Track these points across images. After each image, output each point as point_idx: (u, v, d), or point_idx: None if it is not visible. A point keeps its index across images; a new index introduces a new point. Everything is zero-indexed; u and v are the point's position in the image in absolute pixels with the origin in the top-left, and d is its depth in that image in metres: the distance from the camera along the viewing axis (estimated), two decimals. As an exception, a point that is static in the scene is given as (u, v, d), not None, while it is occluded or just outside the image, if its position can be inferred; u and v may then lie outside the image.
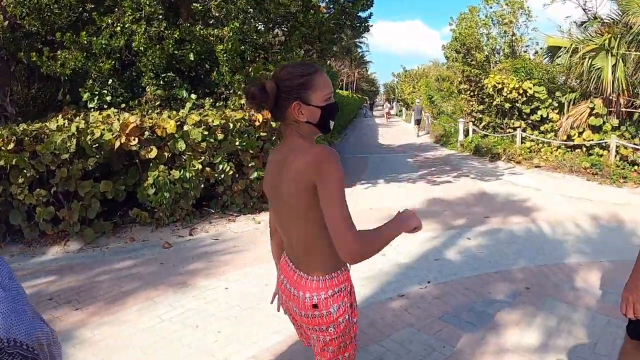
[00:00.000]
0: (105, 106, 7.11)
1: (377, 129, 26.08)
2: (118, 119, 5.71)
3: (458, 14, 14.71)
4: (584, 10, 11.68)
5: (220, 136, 5.80)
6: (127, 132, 5.52)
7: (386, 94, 68.83)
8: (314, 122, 1.37)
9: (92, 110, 6.98)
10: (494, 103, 12.44)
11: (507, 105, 11.92)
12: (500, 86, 11.89)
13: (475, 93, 14.09)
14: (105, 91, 7.26)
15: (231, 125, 5.85)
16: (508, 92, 11.36)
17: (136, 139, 5.52)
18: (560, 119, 10.83)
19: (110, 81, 7.24)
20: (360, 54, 50.13)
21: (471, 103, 14.24)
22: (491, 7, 13.79)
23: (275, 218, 1.49)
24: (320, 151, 1.29)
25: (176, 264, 4.47)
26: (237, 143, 5.90)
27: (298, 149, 1.34)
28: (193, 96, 6.94)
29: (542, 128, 11.30)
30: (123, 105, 7.12)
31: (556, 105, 11.27)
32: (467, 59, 14.01)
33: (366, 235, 1.24)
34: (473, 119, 14.09)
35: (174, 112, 6.19)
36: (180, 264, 4.46)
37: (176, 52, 6.75)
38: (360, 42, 50.65)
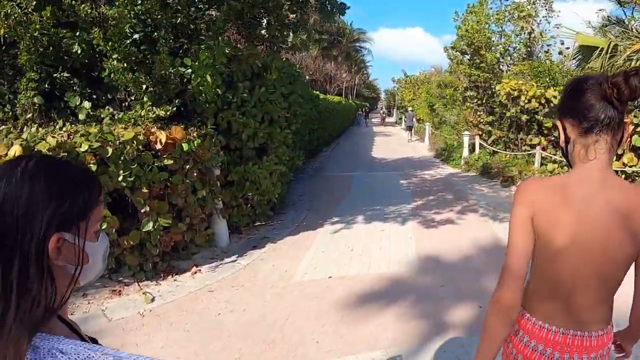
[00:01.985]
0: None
1: (374, 138, 23.91)
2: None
3: (465, 7, 12.51)
4: (619, 3, 9.55)
5: (92, 167, 3.70)
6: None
7: (387, 100, 66.87)
8: None
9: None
10: (508, 114, 10.29)
11: (524, 117, 9.78)
12: (516, 94, 9.73)
13: (484, 101, 11.99)
14: (-15, 98, 5.23)
15: (110, 151, 3.76)
16: (526, 101, 9.21)
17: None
18: (591, 137, 8.66)
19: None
20: (361, 58, 47.99)
21: (479, 113, 12.13)
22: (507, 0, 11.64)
23: (568, 273, 1.16)
24: None
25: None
26: (120, 178, 3.81)
27: (626, 187, 1.14)
28: (86, 104, 4.88)
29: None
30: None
31: (585, 118, 9.11)
32: (475, 61, 11.84)
33: None
34: (480, 132, 11.96)
35: (38, 131, 4.12)
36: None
37: (62, 42, 4.71)
38: (362, 47, 48.60)
